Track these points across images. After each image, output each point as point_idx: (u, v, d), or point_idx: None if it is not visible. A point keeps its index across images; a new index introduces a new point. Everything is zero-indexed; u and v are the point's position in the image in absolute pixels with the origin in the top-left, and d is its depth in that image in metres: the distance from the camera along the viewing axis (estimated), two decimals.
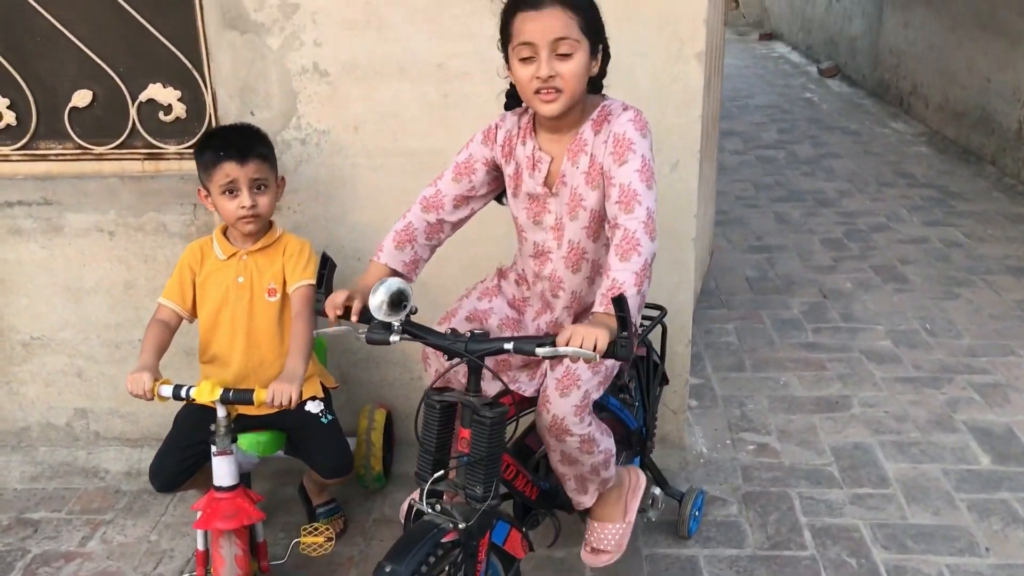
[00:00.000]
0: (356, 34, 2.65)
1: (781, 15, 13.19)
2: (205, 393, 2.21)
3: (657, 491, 2.56)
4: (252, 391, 2.22)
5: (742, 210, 5.71)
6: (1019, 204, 5.63)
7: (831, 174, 6.45)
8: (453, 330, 1.93)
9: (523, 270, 2.25)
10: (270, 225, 2.51)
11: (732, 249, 5.04)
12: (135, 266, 2.96)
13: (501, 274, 2.32)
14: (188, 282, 2.49)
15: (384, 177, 2.79)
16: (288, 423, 2.53)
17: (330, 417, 2.55)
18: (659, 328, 2.57)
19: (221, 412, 2.26)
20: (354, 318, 1.92)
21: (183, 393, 2.23)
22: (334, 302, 1.93)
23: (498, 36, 1.99)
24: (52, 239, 2.95)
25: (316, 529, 2.44)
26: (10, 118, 2.90)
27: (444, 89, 2.66)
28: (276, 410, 2.30)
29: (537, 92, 1.92)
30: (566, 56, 1.89)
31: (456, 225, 2.17)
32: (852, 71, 9.76)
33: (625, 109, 2.01)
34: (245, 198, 2.37)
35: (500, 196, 2.22)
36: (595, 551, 2.39)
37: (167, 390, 2.25)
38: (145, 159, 2.90)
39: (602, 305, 1.82)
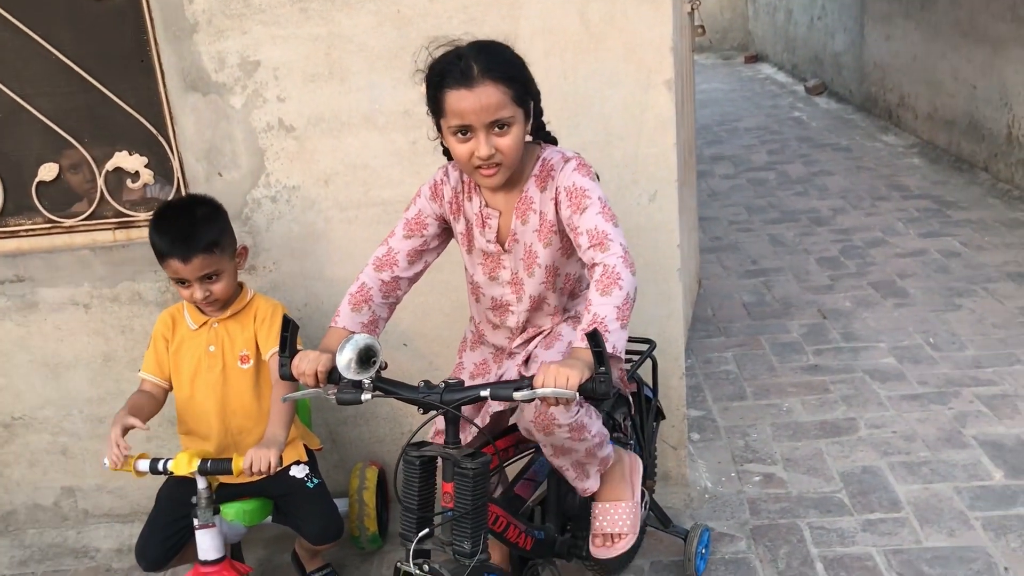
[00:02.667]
0: (319, 87, 2.63)
1: (765, 36, 13.26)
2: (183, 465, 2.16)
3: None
4: (231, 460, 2.17)
5: (736, 235, 5.67)
6: (1015, 209, 5.58)
7: (824, 192, 6.41)
8: (426, 381, 1.88)
9: (479, 326, 2.25)
10: (240, 287, 2.47)
11: (727, 275, 4.98)
12: (113, 338, 2.92)
13: (460, 348, 2.34)
14: (163, 352, 2.45)
15: (358, 229, 2.75)
16: (273, 490, 2.46)
17: (316, 481, 2.49)
18: (650, 362, 2.51)
19: (201, 484, 2.20)
20: (321, 381, 1.89)
21: (160, 466, 2.18)
22: (301, 370, 1.89)
23: (425, 102, 1.95)
24: (27, 316, 2.91)
25: None
26: None
27: (412, 136, 2.63)
28: (259, 477, 2.24)
29: (478, 168, 1.91)
30: (504, 130, 1.88)
31: (412, 280, 2.14)
32: (839, 87, 9.77)
33: (566, 160, 1.99)
34: (196, 291, 2.33)
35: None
36: (608, 537, 2.26)
37: (144, 464, 2.20)
38: (116, 228, 2.87)
39: (582, 340, 1.76)
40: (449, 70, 1.86)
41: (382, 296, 2.09)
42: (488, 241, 2.06)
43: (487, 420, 2.10)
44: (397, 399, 1.87)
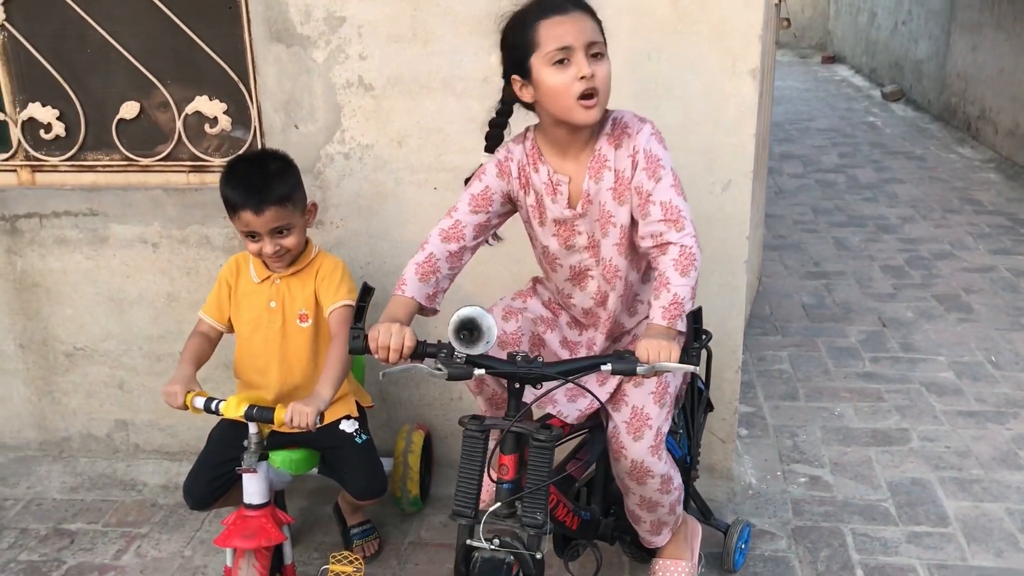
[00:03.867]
0: (401, 48, 2.63)
1: (844, 37, 12.99)
2: (231, 408, 2.19)
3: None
4: (273, 409, 2.19)
5: (800, 235, 5.58)
6: None
7: (894, 200, 6.29)
8: (523, 355, 1.83)
9: (553, 297, 2.25)
10: (306, 244, 2.46)
11: (788, 275, 4.92)
12: (178, 278, 2.97)
13: (537, 280, 2.32)
14: (225, 297, 2.48)
15: (427, 192, 2.76)
16: (322, 442, 2.49)
17: (364, 437, 2.51)
18: (704, 353, 2.49)
19: (252, 429, 2.23)
20: (404, 357, 1.82)
21: (213, 406, 2.21)
22: (384, 345, 1.81)
23: (502, 53, 1.96)
24: (97, 250, 2.98)
25: (346, 557, 2.39)
26: (59, 129, 2.94)
27: (489, 104, 2.57)
28: (299, 431, 2.26)
29: (580, 97, 1.86)
30: (599, 59, 1.87)
31: (473, 251, 2.12)
32: (917, 95, 9.55)
33: (642, 121, 1.99)
34: (267, 245, 2.32)
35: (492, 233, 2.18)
36: None
37: (200, 401, 2.24)
38: (190, 171, 2.92)
39: (664, 319, 1.85)
40: (542, 3, 1.88)
41: (448, 267, 2.06)
42: (561, 207, 2.03)
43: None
44: (503, 376, 1.83)
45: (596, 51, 1.87)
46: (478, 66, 2.61)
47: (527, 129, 2.07)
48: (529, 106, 1.99)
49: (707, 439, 2.84)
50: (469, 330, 1.73)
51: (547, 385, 1.86)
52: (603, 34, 1.90)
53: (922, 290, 4.64)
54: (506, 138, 2.13)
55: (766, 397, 3.58)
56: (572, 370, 1.81)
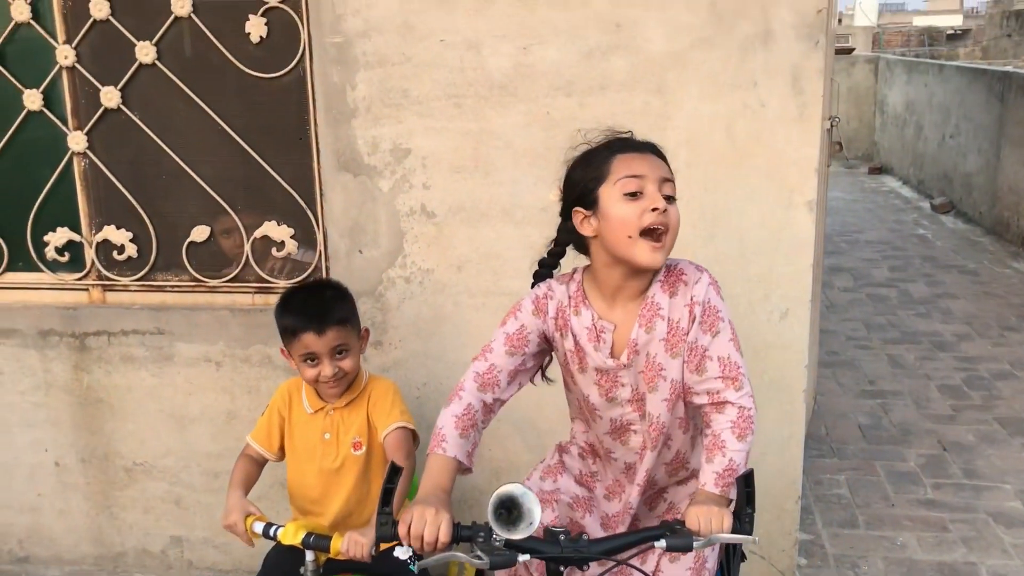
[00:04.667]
0: (463, 178, 2.72)
1: (891, 149, 13.08)
2: (289, 535, 2.19)
3: None
4: (330, 538, 2.19)
5: (853, 351, 5.52)
6: None
7: (948, 316, 6.21)
8: (556, 531, 1.64)
9: (591, 443, 2.09)
10: (357, 373, 2.47)
11: (843, 393, 4.85)
12: (239, 397, 3.03)
13: (562, 449, 2.16)
14: (276, 425, 2.48)
15: (485, 316, 2.81)
16: (377, 568, 2.47)
17: (418, 564, 2.49)
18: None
19: (309, 556, 2.22)
20: (440, 549, 1.64)
21: (271, 532, 2.22)
22: (417, 536, 1.63)
23: (560, 189, 1.91)
24: (162, 367, 3.06)
25: None
26: (132, 250, 3.06)
27: (547, 232, 2.62)
28: (357, 559, 2.25)
29: (647, 233, 1.74)
30: (671, 201, 1.79)
31: (505, 402, 1.97)
32: (967, 207, 9.52)
33: (699, 270, 1.89)
34: (326, 367, 2.32)
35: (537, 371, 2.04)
36: None
37: (259, 527, 2.25)
38: (256, 292, 3.01)
39: (717, 485, 1.76)
40: (620, 140, 1.86)
41: (483, 419, 1.91)
42: (604, 356, 1.89)
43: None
44: (550, 560, 1.65)
45: (669, 192, 1.79)
46: (536, 196, 2.68)
47: (575, 270, 1.96)
48: (583, 248, 1.89)
49: (766, 570, 2.78)
50: (508, 509, 1.56)
51: (594, 568, 1.71)
52: (674, 183, 1.84)
53: (983, 412, 4.53)
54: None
55: (824, 524, 3.49)
56: (621, 547, 1.66)
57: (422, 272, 2.82)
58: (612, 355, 1.89)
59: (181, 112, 2.94)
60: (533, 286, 2.02)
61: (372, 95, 2.71)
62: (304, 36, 2.77)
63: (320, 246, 2.91)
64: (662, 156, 1.85)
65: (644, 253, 1.76)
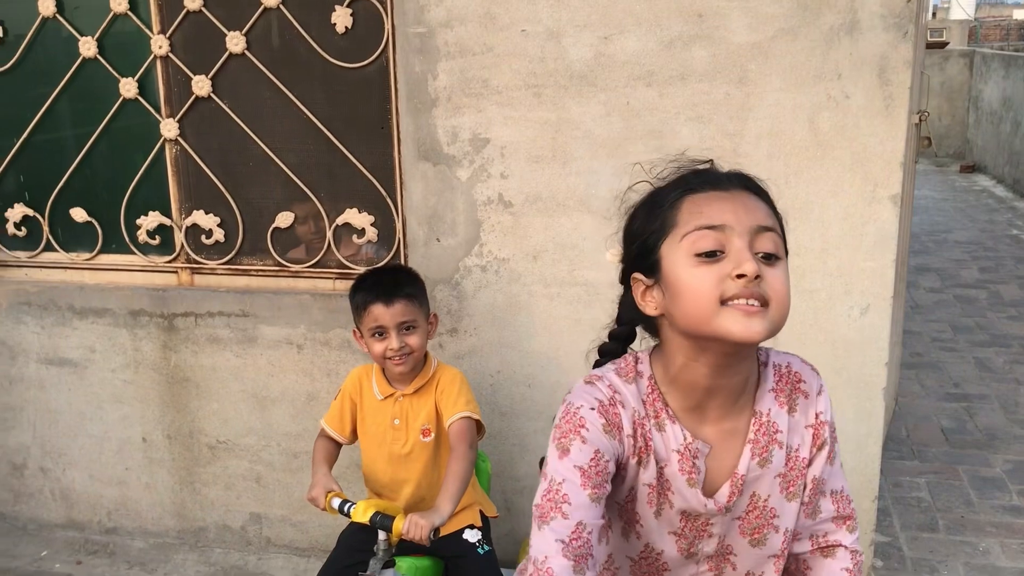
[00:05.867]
0: (541, 167, 2.74)
1: (985, 147, 12.65)
2: (359, 513, 2.26)
3: None
4: (393, 518, 2.24)
5: (938, 353, 5.37)
6: None
7: None
8: None
9: None
10: (425, 359, 2.51)
11: (926, 395, 4.72)
12: (319, 379, 3.10)
13: None
14: (348, 410, 2.54)
15: (559, 305, 2.82)
16: (447, 550, 2.52)
17: (487, 548, 2.52)
18: None
19: (381, 535, 2.28)
20: None
21: (346, 509, 2.29)
22: None
23: (621, 246, 1.39)
24: (246, 349, 3.15)
25: None
26: (219, 235, 3.17)
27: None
28: (417, 541, 2.29)
29: (729, 301, 1.19)
30: (772, 262, 1.22)
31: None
32: None
33: (814, 370, 1.40)
34: (393, 340, 2.37)
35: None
36: None
37: (336, 503, 2.32)
38: (336, 278, 3.08)
39: None
40: (694, 173, 1.32)
41: None
42: (697, 494, 1.32)
43: None
44: None
45: (768, 248, 1.22)
46: (613, 187, 2.68)
47: (637, 357, 1.37)
48: (652, 329, 1.36)
49: None
50: None
51: None
52: (783, 229, 1.29)
53: None
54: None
55: (903, 527, 3.42)
56: None
57: (498, 261, 2.85)
58: (707, 493, 1.33)
59: (268, 101, 3.02)
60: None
61: (453, 85, 2.74)
62: (388, 26, 2.82)
63: (399, 234, 2.96)
64: (761, 193, 1.30)
65: (733, 322, 1.18)
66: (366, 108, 2.93)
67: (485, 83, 2.72)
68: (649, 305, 1.30)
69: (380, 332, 2.39)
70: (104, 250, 3.31)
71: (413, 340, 2.41)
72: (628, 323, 1.42)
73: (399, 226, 2.96)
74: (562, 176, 2.73)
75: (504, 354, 2.92)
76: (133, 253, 3.27)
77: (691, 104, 2.57)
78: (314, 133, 3.00)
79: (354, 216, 3.02)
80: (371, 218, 3.01)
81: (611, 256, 1.41)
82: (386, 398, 2.49)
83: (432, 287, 2.84)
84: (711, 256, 1.21)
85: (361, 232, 3.03)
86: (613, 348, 1.45)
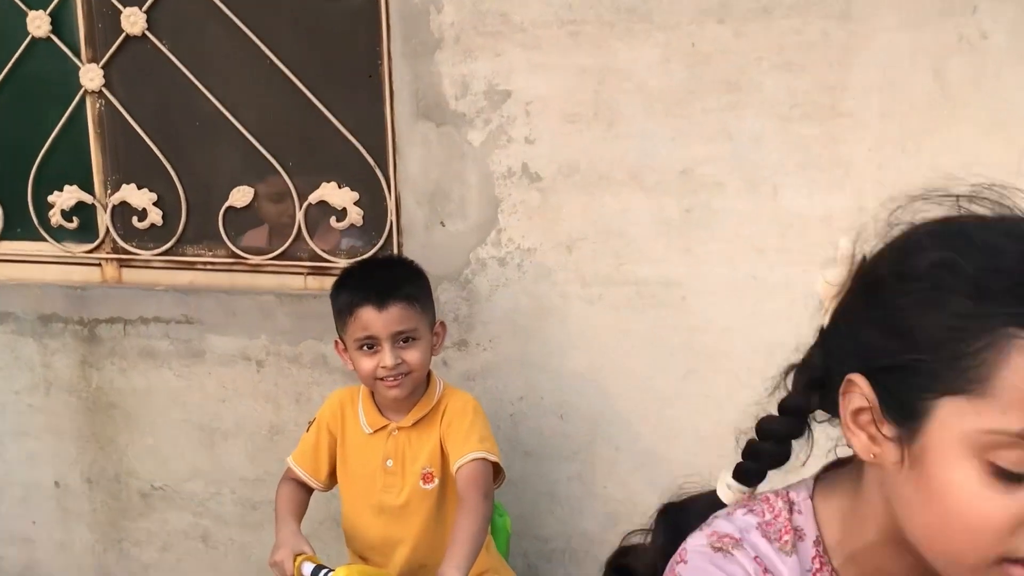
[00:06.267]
0: (579, 129, 2.73)
1: None
2: None
3: None
4: None
5: None
6: None
7: None
8: None
9: None
10: (427, 382, 2.51)
11: None
12: (285, 406, 3.12)
13: None
14: (324, 447, 2.52)
15: (601, 311, 2.82)
16: None
17: None
18: None
19: None
20: None
21: None
22: None
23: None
24: (190, 366, 3.17)
25: None
26: (155, 216, 3.19)
27: (688, 202, 2.69)
28: None
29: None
30: None
31: None
32: None
33: None
34: (386, 355, 2.33)
35: None
36: None
37: (308, 568, 2.32)
38: (309, 274, 3.10)
39: None
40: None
41: None
42: None
43: None
44: None
45: None
46: (674, 155, 2.67)
47: (791, 502, 1.13)
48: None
49: None
50: None
51: None
52: None
53: None
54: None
55: None
56: None
57: (521, 252, 2.85)
58: None
59: (222, 42, 3.04)
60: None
61: (463, 21, 2.75)
62: None
63: (391, 215, 2.97)
64: None
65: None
66: (349, 51, 2.95)
67: (505, 18, 2.72)
68: (864, 444, 1.00)
69: (370, 344, 2.36)
70: (5, 236, 3.35)
71: (413, 356, 2.38)
72: (813, 389, 1.12)
73: (391, 206, 2.97)
74: (606, 141, 2.72)
75: (529, 374, 2.92)
76: (43, 239, 3.31)
77: (776, 47, 2.55)
78: (281, 84, 3.01)
79: (333, 193, 3.03)
80: (355, 195, 3.02)
81: (842, 253, 1.06)
82: (376, 432, 2.47)
83: (435, 286, 2.81)
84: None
85: (342, 213, 3.04)
86: (780, 431, 1.17)
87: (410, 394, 2.43)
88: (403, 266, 2.54)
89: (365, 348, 2.37)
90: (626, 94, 2.68)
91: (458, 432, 2.41)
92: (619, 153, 2.72)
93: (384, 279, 2.42)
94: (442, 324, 2.52)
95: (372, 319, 2.34)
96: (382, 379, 2.37)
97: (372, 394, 2.49)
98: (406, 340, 2.37)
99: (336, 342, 2.47)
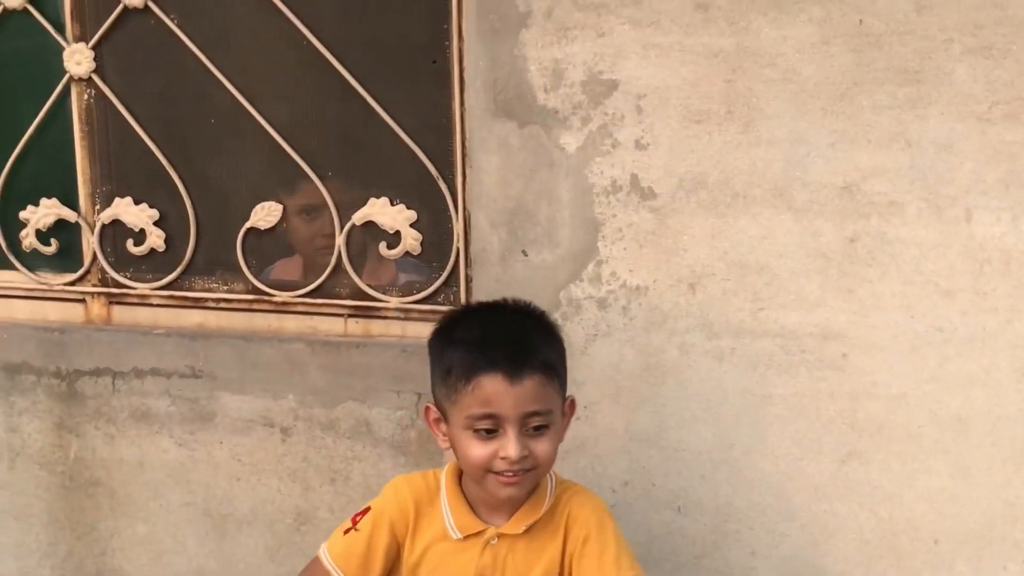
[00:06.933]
0: (707, 131, 2.69)
1: None
2: None
3: None
4: None
5: None
6: None
7: None
8: None
9: None
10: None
11: None
12: (317, 488, 3.10)
13: None
14: (382, 550, 2.42)
15: (733, 371, 2.77)
16: None
17: None
18: None
19: None
20: None
21: None
22: None
23: None
24: (195, 432, 3.16)
25: None
26: (156, 240, 3.20)
27: (851, 229, 2.63)
28: None
29: None
30: None
31: None
32: None
33: None
34: (511, 445, 2.23)
35: None
36: None
37: None
38: (350, 316, 3.08)
39: None
40: None
41: None
42: None
43: None
44: None
45: None
46: (834, 166, 2.62)
47: None
48: None
49: None
50: None
51: None
52: None
53: None
54: None
55: None
56: None
57: (628, 291, 2.81)
58: None
59: (244, 18, 3.07)
60: None
61: None
62: None
63: (457, 241, 2.95)
64: None
65: None
66: (408, 30, 2.96)
67: None
68: None
69: (491, 427, 2.26)
70: None
71: (543, 447, 2.28)
72: None
73: (458, 228, 2.95)
74: (743, 146, 2.68)
75: (635, 452, 2.87)
76: (11, 268, 3.33)
77: (972, 25, 2.50)
78: (320, 70, 3.01)
79: (383, 211, 3.02)
80: (411, 214, 3.01)
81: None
82: (469, 538, 2.38)
83: None
84: None
85: (394, 238, 3.03)
86: None
87: (527, 493, 2.35)
88: (536, 319, 2.42)
89: (481, 431, 2.26)
90: (770, 86, 2.65)
91: (602, 558, 2.33)
92: (760, 163, 2.68)
93: (518, 338, 2.32)
94: (572, 401, 2.43)
95: (500, 393, 2.22)
96: (498, 472, 2.27)
97: (460, 484, 2.41)
98: (538, 427, 2.27)
99: (429, 408, 2.39)
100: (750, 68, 2.65)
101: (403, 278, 3.09)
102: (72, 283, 3.29)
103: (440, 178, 2.96)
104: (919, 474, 2.55)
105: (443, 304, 2.99)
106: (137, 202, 3.21)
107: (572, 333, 2.85)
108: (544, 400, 2.25)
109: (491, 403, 2.22)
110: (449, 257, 2.99)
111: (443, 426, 2.35)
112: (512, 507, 2.36)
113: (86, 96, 3.19)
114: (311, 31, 3.00)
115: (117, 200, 3.22)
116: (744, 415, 2.77)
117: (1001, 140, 2.47)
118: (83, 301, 3.29)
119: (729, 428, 2.78)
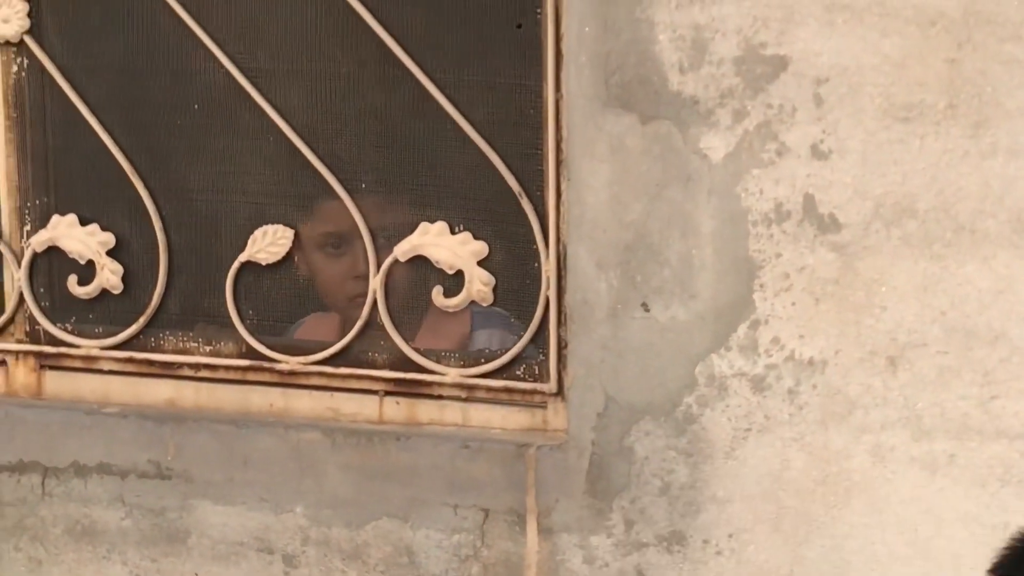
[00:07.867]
0: (918, 134, 2.67)
1: None
2: None
3: None
4: None
5: None
6: None
7: None
8: None
9: None
10: None
11: None
12: None
13: None
14: None
15: (952, 488, 2.75)
16: None
17: None
18: None
19: None
20: None
21: None
22: None
23: None
24: (159, 559, 3.15)
25: None
26: (110, 277, 3.19)
27: None
28: None
29: None
30: None
31: None
32: None
33: None
34: None
35: None
36: None
37: None
38: (388, 393, 3.06)
39: None
40: None
41: None
42: None
43: None
44: None
45: None
46: None
47: None
48: None
49: None
50: None
51: None
52: None
53: None
54: None
55: None
56: None
57: (797, 365, 2.78)
58: None
59: None
60: None
61: None
62: None
63: (547, 286, 2.93)
64: None
65: None
66: None
67: None
68: None
69: None
70: None
71: None
72: None
73: (548, 269, 2.93)
74: (972, 157, 2.65)
75: None
76: None
77: None
78: (351, 36, 3.02)
79: (439, 241, 3.01)
80: (479, 247, 3.00)
81: None
82: None
83: (629, 424, 2.80)
84: None
85: (455, 280, 3.01)
86: None
87: None
88: None
89: None
90: (1012, 69, 2.61)
91: None
92: (996, 182, 2.66)
93: None
94: None
95: None
96: None
97: None
98: None
99: None
100: (984, 42, 2.63)
101: (467, 340, 3.05)
102: None
103: (524, 195, 2.93)
104: None
105: (524, 379, 2.98)
106: (84, 222, 3.21)
107: (714, 427, 2.84)
108: None
109: None
110: (535, 310, 2.97)
111: None
112: None
113: (15, 67, 3.21)
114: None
115: (56, 218, 3.22)
116: (967, 552, 2.74)
117: None
118: (2, 363, 3.27)
119: (947, 572, 2.72)
